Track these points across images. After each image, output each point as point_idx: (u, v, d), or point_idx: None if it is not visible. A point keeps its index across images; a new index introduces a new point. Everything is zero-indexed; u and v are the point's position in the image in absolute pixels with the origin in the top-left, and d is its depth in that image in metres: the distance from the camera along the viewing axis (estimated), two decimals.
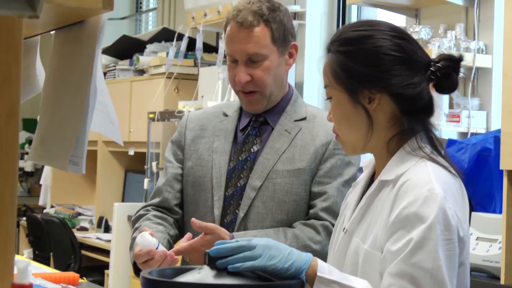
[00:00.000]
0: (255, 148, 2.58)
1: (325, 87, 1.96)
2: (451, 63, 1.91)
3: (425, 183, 1.80)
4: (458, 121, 4.18)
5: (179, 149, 2.71)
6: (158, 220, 2.62)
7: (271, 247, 1.73)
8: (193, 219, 2.38)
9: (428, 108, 1.92)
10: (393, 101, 1.89)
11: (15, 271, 1.35)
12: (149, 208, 2.68)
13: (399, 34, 1.92)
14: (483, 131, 4.23)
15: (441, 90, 1.94)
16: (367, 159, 2.07)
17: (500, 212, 3.67)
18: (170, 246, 2.55)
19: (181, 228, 2.69)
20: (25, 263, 1.34)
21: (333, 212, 2.46)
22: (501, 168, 3.22)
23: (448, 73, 1.91)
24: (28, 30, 1.81)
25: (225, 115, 2.68)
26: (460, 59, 1.93)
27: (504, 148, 3.20)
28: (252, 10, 2.53)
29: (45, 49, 2.05)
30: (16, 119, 1.34)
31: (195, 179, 2.63)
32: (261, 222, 2.50)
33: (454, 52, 1.97)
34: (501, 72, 3.38)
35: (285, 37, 2.56)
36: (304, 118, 2.60)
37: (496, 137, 3.65)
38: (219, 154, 2.61)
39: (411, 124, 1.90)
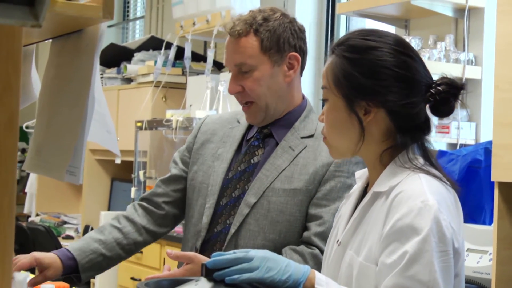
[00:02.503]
0: (255, 159, 2.54)
1: (323, 88, 1.95)
2: (451, 89, 1.89)
3: (419, 195, 1.79)
4: (448, 132, 4.19)
5: (188, 151, 2.71)
6: (121, 223, 2.66)
7: (269, 259, 1.72)
8: (168, 250, 2.37)
9: (425, 128, 1.91)
10: (389, 117, 1.88)
11: (13, 284, 1.34)
12: (129, 207, 2.73)
13: (406, 51, 1.90)
14: (472, 142, 4.24)
15: (436, 113, 1.92)
16: (360, 171, 2.06)
17: (490, 224, 3.68)
18: (104, 257, 2.58)
19: (168, 225, 2.72)
20: (23, 276, 1.33)
21: (327, 237, 2.40)
22: (492, 179, 3.22)
23: (446, 98, 1.89)
24: (24, 39, 1.80)
25: (238, 122, 2.65)
26: (462, 87, 1.91)
27: (496, 160, 3.20)
28: (244, 20, 2.49)
29: (37, 57, 2.04)
30: (15, 128, 1.33)
31: (196, 184, 2.63)
32: (252, 240, 2.47)
33: (457, 78, 1.95)
34: (490, 83, 3.39)
35: (279, 47, 2.48)
36: (312, 136, 2.53)
37: (486, 149, 3.66)
38: (220, 161, 2.59)
39: (404, 140, 1.89)
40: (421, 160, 1.90)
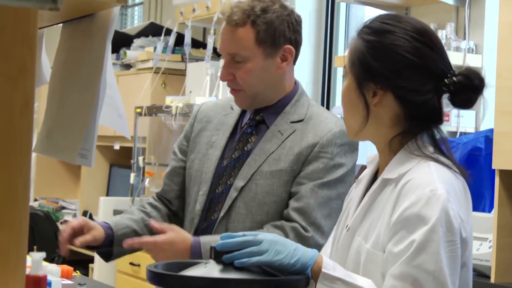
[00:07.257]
0: (248, 146, 2.56)
1: (344, 67, 1.96)
2: (467, 81, 1.85)
3: (428, 184, 1.79)
4: (448, 120, 4.19)
5: (186, 140, 2.73)
6: (147, 209, 2.69)
7: (277, 242, 1.73)
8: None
9: (435, 117, 1.90)
10: (396, 102, 1.88)
11: (30, 263, 1.36)
12: (150, 198, 2.76)
13: (422, 38, 1.88)
14: (472, 130, 4.25)
15: (454, 104, 1.90)
16: (371, 155, 2.05)
17: (489, 211, 3.70)
18: (136, 234, 2.60)
19: (182, 220, 2.73)
20: (39, 255, 1.35)
21: (305, 213, 2.43)
22: (493, 167, 3.24)
23: (461, 89, 1.86)
24: None
25: (232, 108, 2.67)
26: (480, 80, 1.87)
27: (497, 148, 3.22)
28: (242, 9, 2.49)
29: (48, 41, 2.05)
30: (30, 112, 1.34)
31: (192, 172, 2.65)
32: (242, 223, 2.50)
33: (482, 72, 1.92)
34: (490, 71, 3.41)
35: (274, 40, 2.49)
36: (301, 120, 2.55)
37: (486, 137, 3.68)
38: (214, 149, 2.62)
39: (413, 127, 1.89)
40: (430, 149, 1.89)
